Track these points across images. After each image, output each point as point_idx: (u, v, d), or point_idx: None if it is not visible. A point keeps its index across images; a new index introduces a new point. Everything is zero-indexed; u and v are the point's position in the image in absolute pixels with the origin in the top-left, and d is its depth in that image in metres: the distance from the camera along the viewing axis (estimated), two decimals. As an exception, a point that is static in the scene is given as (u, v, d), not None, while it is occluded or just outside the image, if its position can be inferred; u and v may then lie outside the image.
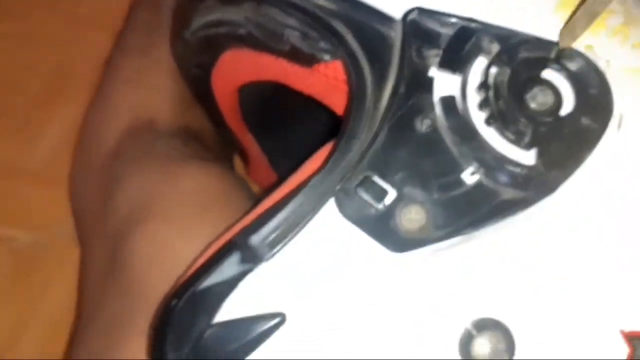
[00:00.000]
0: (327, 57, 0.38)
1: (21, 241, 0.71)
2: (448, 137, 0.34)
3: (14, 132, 0.79)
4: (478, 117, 0.35)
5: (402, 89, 0.35)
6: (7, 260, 0.70)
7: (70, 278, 0.67)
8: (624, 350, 0.33)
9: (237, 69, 0.47)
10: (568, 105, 0.35)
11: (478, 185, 0.34)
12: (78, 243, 0.57)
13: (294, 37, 0.39)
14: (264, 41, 0.41)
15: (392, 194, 0.33)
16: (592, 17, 0.34)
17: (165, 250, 0.41)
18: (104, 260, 0.45)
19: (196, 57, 0.50)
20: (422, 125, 0.35)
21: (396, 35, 0.36)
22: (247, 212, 0.36)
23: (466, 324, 0.32)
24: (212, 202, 0.44)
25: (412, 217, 0.33)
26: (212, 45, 0.47)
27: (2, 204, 0.73)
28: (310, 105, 0.59)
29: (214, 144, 0.55)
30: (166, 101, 0.53)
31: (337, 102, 0.38)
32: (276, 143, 0.59)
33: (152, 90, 0.54)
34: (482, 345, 0.32)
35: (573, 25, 0.34)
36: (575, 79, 0.35)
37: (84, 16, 0.87)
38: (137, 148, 0.49)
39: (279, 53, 0.41)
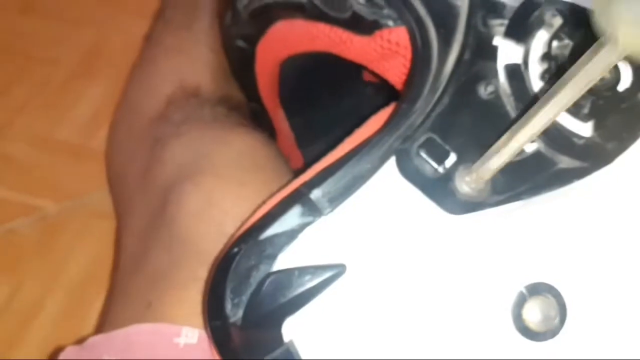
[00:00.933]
0: (390, 22, 0.38)
1: (48, 211, 0.72)
2: (510, 104, 0.34)
3: (46, 106, 0.80)
4: (540, 87, 0.35)
5: (466, 56, 0.35)
6: (34, 228, 0.71)
7: (92, 247, 0.68)
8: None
9: (287, 40, 0.47)
10: (626, 81, 0.35)
11: (537, 153, 0.34)
12: (114, 209, 0.57)
13: (358, 4, 0.39)
14: (324, 10, 0.42)
15: (452, 157, 0.33)
16: None
17: (215, 206, 0.41)
18: (148, 216, 0.45)
19: (245, 28, 0.51)
20: (485, 92, 0.35)
21: (463, 4, 0.36)
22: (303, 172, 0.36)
23: (520, 287, 0.32)
24: (260, 165, 0.44)
25: (471, 181, 0.33)
26: (265, 17, 0.47)
27: (31, 174, 0.74)
28: (342, 89, 0.60)
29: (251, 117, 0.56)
30: (209, 71, 0.54)
31: (393, 69, 0.39)
32: (304, 121, 0.59)
33: (195, 60, 0.55)
34: (534, 310, 0.32)
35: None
36: (634, 56, 0.35)
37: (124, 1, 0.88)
38: (184, 112, 0.49)
39: (336, 22, 0.42)
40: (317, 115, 0.60)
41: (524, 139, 0.28)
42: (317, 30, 0.43)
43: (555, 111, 0.27)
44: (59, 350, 0.41)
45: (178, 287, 0.39)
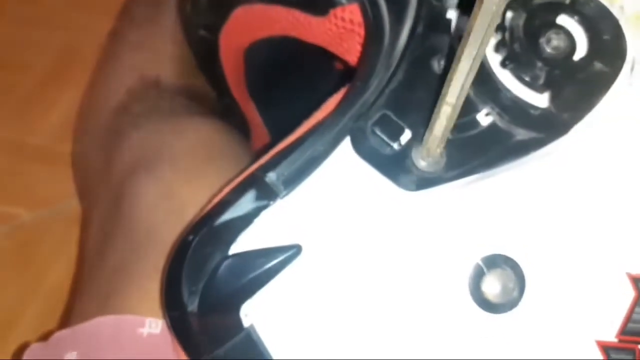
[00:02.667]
0: (343, 1, 0.38)
1: (23, 219, 0.71)
2: (464, 78, 0.34)
3: (19, 111, 0.79)
4: (494, 59, 0.34)
5: (420, 30, 0.35)
6: (10, 238, 0.70)
7: (72, 255, 0.67)
8: (630, 292, 0.33)
9: (247, 25, 0.47)
10: (582, 50, 0.35)
11: (492, 126, 0.34)
12: (80, 204, 0.57)
13: (311, -16, 0.39)
14: (276, -7, 0.41)
15: (407, 133, 0.33)
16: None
17: (172, 196, 0.41)
18: (108, 208, 0.45)
19: (205, 17, 0.50)
20: (439, 65, 0.35)
21: None
22: (258, 158, 0.36)
23: (477, 260, 0.32)
24: (217, 153, 0.44)
25: (425, 155, 0.33)
26: (224, 3, 0.47)
27: (5, 182, 0.74)
28: (314, 80, 0.60)
29: (216, 108, 0.55)
30: (171, 63, 0.54)
31: (351, 49, 0.39)
32: (277, 113, 0.59)
33: (157, 52, 0.55)
34: (492, 282, 0.32)
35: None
36: (589, 25, 0.35)
37: (92, 2, 0.88)
38: (142, 104, 0.49)
39: (293, 3, 0.41)
40: (289, 107, 0.59)
41: (452, 98, 0.28)
42: (275, 13, 0.43)
43: (469, 64, 0.27)
44: (24, 347, 0.40)
45: (139, 279, 0.39)
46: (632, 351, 0.34)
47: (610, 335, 0.33)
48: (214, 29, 0.49)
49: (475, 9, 0.25)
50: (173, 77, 0.52)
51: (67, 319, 0.44)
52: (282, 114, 0.59)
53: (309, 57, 0.48)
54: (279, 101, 0.59)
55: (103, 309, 0.39)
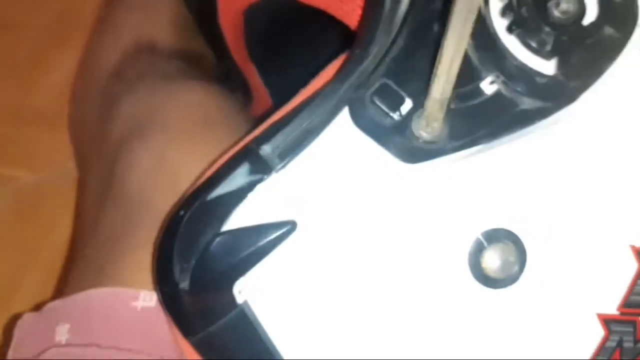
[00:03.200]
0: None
1: (23, 182, 0.71)
2: (468, 44, 0.33)
3: (18, 75, 0.78)
4: (500, 24, 0.33)
5: (420, -6, 0.33)
6: (10, 200, 0.70)
7: (72, 220, 0.67)
8: (634, 265, 0.33)
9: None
10: (591, 15, 0.34)
11: (497, 95, 0.33)
12: (77, 168, 0.56)
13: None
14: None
15: (408, 103, 0.32)
16: None
17: (165, 163, 0.40)
18: (102, 176, 0.44)
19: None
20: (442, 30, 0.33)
21: None
22: (255, 127, 0.35)
23: (477, 234, 0.31)
24: (213, 119, 0.43)
25: (426, 124, 0.32)
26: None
27: (5, 145, 0.73)
28: (313, 40, 0.59)
29: (214, 72, 0.54)
30: (168, 24, 0.53)
31: (351, 12, 0.37)
32: (277, 76, 0.57)
33: (154, 14, 0.54)
34: (493, 257, 0.31)
35: None
36: (598, -13, 0.33)
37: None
38: (137, 67, 0.48)
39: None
40: (290, 70, 0.58)
41: (447, 58, 0.27)
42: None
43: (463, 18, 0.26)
44: (17, 317, 0.40)
45: (132, 249, 0.38)
46: (633, 323, 0.34)
47: (612, 308, 0.33)
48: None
49: None
50: (170, 39, 0.51)
51: (62, 287, 0.43)
52: (284, 78, 0.58)
53: (309, 20, 0.47)
54: (280, 64, 0.58)
55: (97, 279, 0.38)
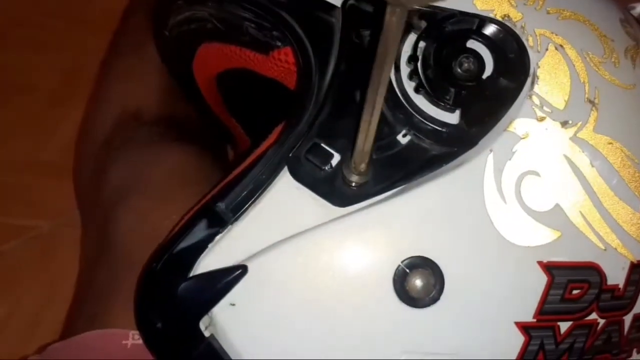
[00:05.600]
0: (279, 43, 0.43)
1: (39, 230, 0.78)
2: (383, 105, 0.39)
3: (30, 131, 0.86)
4: (409, 86, 0.40)
5: (342, 67, 0.40)
6: (28, 248, 0.77)
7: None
8: (544, 277, 0.39)
9: (211, 60, 0.53)
10: (489, 69, 0.40)
11: (410, 145, 0.39)
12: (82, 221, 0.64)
13: (251, 28, 0.45)
14: (229, 34, 0.47)
15: (337, 157, 0.39)
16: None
17: (146, 222, 0.46)
18: (95, 236, 0.51)
19: (177, 53, 0.56)
20: (361, 97, 0.40)
21: (337, 21, 0.41)
22: (215, 185, 0.42)
23: (398, 262, 0.37)
24: (189, 178, 0.50)
25: (353, 172, 0.38)
26: (188, 41, 0.53)
27: (20, 196, 0.81)
28: (281, 94, 0.65)
29: (199, 131, 0.61)
30: (152, 93, 0.59)
31: (293, 84, 0.44)
32: (255, 125, 0.64)
33: (140, 84, 0.60)
34: (414, 281, 0.37)
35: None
36: (494, 46, 0.40)
37: (92, 22, 0.93)
38: (122, 136, 0.55)
39: (242, 43, 0.47)
40: (266, 119, 0.65)
41: (367, 116, 0.33)
42: (230, 51, 0.49)
43: (380, 79, 0.31)
44: (23, 360, 0.47)
45: (120, 299, 0.45)
46: (552, 328, 0.39)
47: (528, 317, 0.39)
48: (186, 62, 0.55)
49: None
50: (155, 105, 0.57)
51: (64, 332, 0.50)
52: (261, 125, 0.65)
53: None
54: (256, 115, 0.65)
55: (91, 326, 0.45)
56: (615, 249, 0.40)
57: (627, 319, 0.41)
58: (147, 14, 0.65)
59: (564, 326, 0.39)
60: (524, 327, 0.38)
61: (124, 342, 0.43)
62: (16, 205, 0.80)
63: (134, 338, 0.43)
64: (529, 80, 0.40)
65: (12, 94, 0.90)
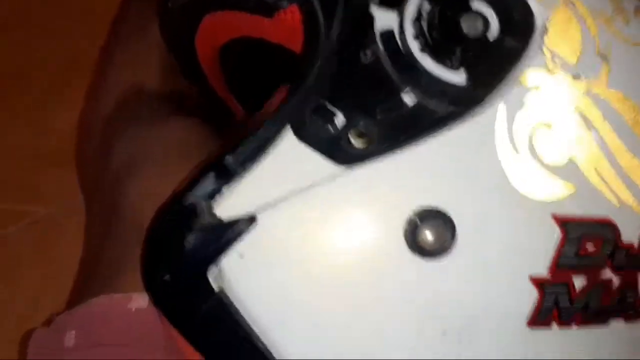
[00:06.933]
0: (285, 3, 0.43)
1: (38, 216, 0.78)
2: (389, 66, 0.39)
3: (30, 118, 0.86)
4: (414, 47, 0.39)
5: (347, 28, 0.40)
6: (27, 234, 0.77)
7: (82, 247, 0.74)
8: (557, 231, 0.38)
9: (214, 31, 0.52)
10: (494, 30, 0.39)
11: (416, 105, 0.39)
12: (84, 202, 0.63)
13: (256, -10, 0.44)
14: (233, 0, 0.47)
15: (341, 117, 0.38)
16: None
17: (153, 194, 0.46)
18: (102, 212, 0.51)
19: (180, 27, 0.56)
20: (366, 57, 0.40)
21: None
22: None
23: (409, 214, 0.37)
24: (192, 151, 0.50)
25: (359, 136, 0.38)
26: (192, 12, 0.52)
27: (19, 184, 0.80)
28: (282, 70, 0.65)
29: (201, 107, 0.61)
30: (153, 71, 0.60)
31: (298, 46, 0.44)
32: (254, 103, 0.64)
33: (141, 63, 0.61)
34: (427, 232, 0.37)
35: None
36: (499, 6, 0.39)
37: (90, 11, 0.94)
38: (126, 113, 0.56)
39: (248, 9, 0.47)
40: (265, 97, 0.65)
41: None
42: (236, 17, 0.48)
43: None
44: (30, 333, 0.46)
45: (129, 271, 0.45)
46: (566, 284, 0.39)
47: (542, 271, 0.38)
48: (189, 35, 0.55)
49: None
50: (156, 83, 0.58)
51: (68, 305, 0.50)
52: (259, 103, 0.64)
53: (277, 54, 0.53)
54: (258, 91, 0.65)
55: (99, 295, 0.45)
56: (630, 206, 0.39)
57: (643, 279, 0.41)
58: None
59: (578, 283, 0.39)
60: (538, 282, 0.38)
61: (128, 306, 0.43)
62: (15, 191, 0.80)
63: (137, 301, 0.43)
64: (537, 36, 0.39)
65: (11, 83, 0.89)
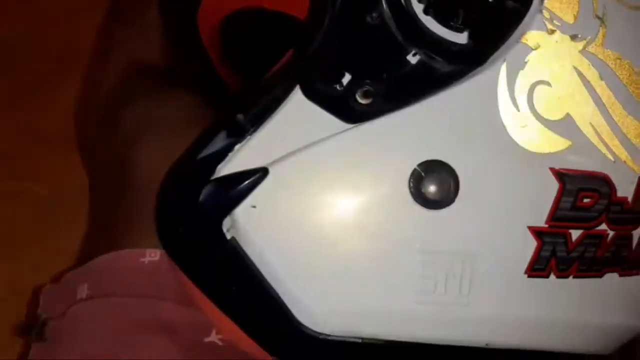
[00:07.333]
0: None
1: (40, 193, 0.79)
2: (393, 26, 0.41)
3: (30, 101, 0.87)
4: (418, 9, 0.40)
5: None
6: (29, 209, 0.78)
7: (83, 224, 0.75)
8: (555, 184, 0.40)
9: (218, 3, 0.54)
10: None
11: (420, 64, 0.40)
12: (87, 174, 0.64)
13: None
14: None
15: (348, 77, 0.40)
16: None
17: (161, 157, 0.47)
18: (111, 176, 0.52)
19: (183, 2, 0.57)
20: (372, 19, 0.41)
21: None
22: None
23: (414, 166, 0.39)
24: (197, 118, 0.51)
25: (365, 95, 0.39)
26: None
27: (21, 161, 0.81)
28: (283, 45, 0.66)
29: (201, 81, 0.62)
30: (152, 50, 0.61)
31: (302, 11, 0.45)
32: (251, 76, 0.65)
33: (141, 41, 0.62)
34: (431, 184, 0.39)
35: None
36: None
37: (87, 2, 0.95)
38: (129, 87, 0.57)
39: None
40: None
41: None
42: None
43: None
44: (38, 290, 0.47)
45: (140, 229, 0.46)
46: (563, 235, 0.41)
47: (541, 222, 0.40)
48: (192, 10, 0.56)
49: None
50: (157, 59, 0.60)
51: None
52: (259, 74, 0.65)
53: (278, 29, 0.55)
54: (258, 70, 0.66)
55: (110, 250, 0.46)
56: (624, 162, 0.41)
57: (636, 234, 0.42)
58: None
59: (575, 234, 0.40)
60: (536, 232, 0.39)
61: (140, 259, 0.44)
62: (16, 169, 0.81)
63: (150, 255, 0.44)
64: (536, 1, 0.40)
65: (11, 67, 0.91)
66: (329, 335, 0.39)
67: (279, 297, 0.39)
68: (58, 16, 0.95)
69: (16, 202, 0.78)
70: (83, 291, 0.45)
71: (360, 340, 0.40)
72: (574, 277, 0.41)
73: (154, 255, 0.45)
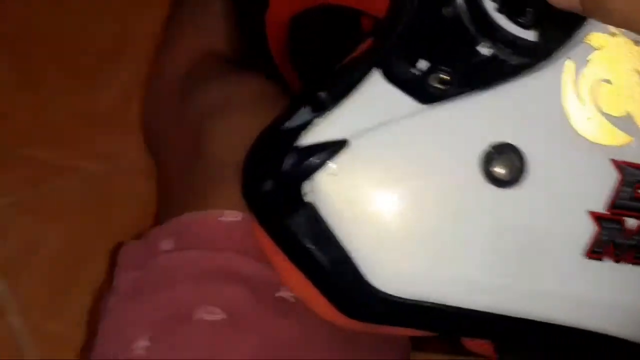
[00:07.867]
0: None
1: (89, 171, 0.83)
2: (468, 21, 0.44)
3: (83, 85, 0.91)
4: (490, 6, 0.44)
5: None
6: (81, 185, 0.82)
7: (130, 201, 0.79)
8: (615, 174, 0.43)
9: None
10: None
11: (490, 55, 0.44)
12: (151, 154, 0.68)
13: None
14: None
15: (424, 63, 0.43)
16: None
17: (240, 133, 0.50)
18: (185, 149, 0.55)
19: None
20: (448, 12, 0.44)
21: None
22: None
23: (485, 147, 0.42)
24: (270, 99, 0.54)
25: (440, 79, 0.43)
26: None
27: (74, 140, 0.85)
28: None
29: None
30: (221, 40, 0.65)
31: (381, 8, 0.48)
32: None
33: (210, 33, 0.66)
34: (500, 164, 0.42)
35: None
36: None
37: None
38: (204, 69, 0.60)
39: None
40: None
41: None
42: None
43: None
44: (118, 247, 0.50)
45: (217, 194, 0.49)
46: (619, 222, 0.43)
47: (600, 208, 0.43)
48: (261, 6, 0.59)
49: None
50: (224, 49, 0.63)
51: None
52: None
53: (346, 29, 0.58)
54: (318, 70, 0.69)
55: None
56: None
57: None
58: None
59: (632, 223, 0.43)
60: (596, 217, 0.42)
61: (220, 219, 0.47)
62: (68, 148, 0.85)
63: (231, 216, 0.47)
64: None
65: (67, 54, 0.95)
66: (399, 298, 0.42)
67: (352, 259, 0.42)
68: (111, 5, 0.98)
69: (67, 178, 0.82)
70: (167, 245, 0.47)
71: (430, 304, 0.42)
72: (627, 264, 0.43)
73: (235, 215, 0.47)
